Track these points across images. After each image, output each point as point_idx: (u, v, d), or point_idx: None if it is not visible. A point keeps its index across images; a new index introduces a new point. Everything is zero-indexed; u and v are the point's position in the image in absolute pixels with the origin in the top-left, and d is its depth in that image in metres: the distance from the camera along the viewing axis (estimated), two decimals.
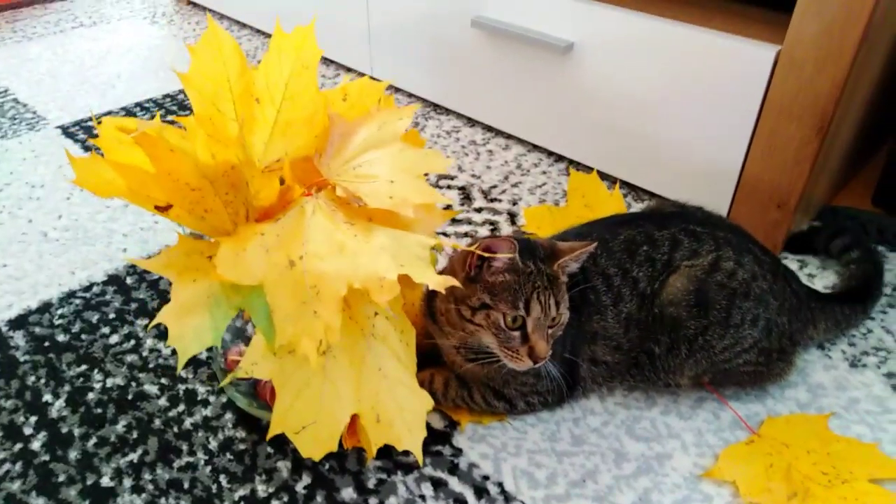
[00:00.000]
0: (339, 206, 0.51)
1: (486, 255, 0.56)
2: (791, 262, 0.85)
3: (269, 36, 1.50)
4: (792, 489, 0.56)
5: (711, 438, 0.63)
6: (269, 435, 0.48)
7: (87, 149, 1.08)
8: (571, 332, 0.62)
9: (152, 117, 1.16)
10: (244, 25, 1.56)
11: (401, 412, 0.50)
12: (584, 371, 0.64)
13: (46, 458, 0.61)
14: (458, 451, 0.62)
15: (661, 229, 0.63)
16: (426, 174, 1.02)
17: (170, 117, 1.17)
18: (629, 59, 0.88)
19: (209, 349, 0.70)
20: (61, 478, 0.59)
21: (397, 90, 1.25)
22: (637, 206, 0.94)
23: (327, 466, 0.60)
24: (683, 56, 0.83)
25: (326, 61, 1.37)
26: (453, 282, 0.47)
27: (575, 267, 0.59)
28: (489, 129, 1.14)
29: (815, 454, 0.60)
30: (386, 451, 0.62)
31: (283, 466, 0.60)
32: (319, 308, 0.44)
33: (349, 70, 1.33)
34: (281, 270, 0.45)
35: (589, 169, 0.99)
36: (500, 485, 0.59)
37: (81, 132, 1.12)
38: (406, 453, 0.61)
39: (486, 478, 0.60)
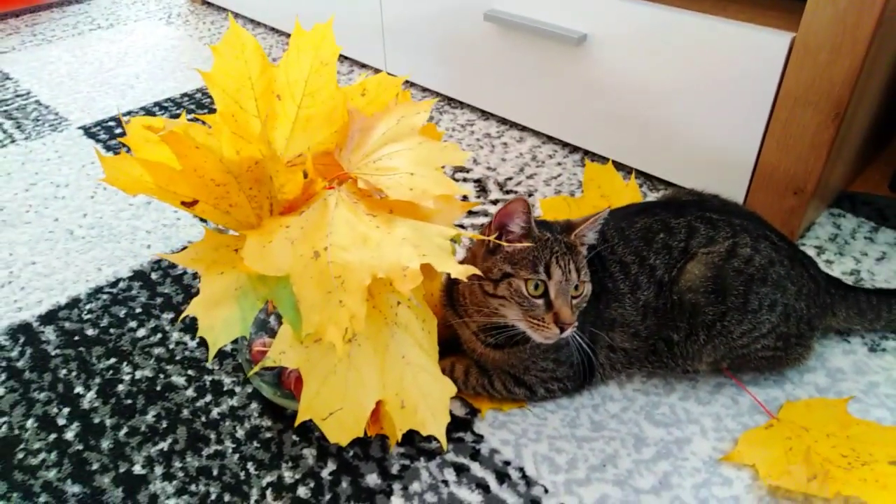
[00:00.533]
0: (360, 199, 0.52)
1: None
2: (808, 250, 0.85)
3: (283, 34, 1.52)
4: (812, 471, 0.57)
5: (730, 423, 0.64)
6: (298, 421, 0.49)
7: (109, 148, 1.10)
8: (590, 320, 0.63)
9: (172, 117, 1.18)
10: (259, 24, 1.58)
11: (424, 398, 0.51)
12: (603, 358, 0.65)
13: (80, 447, 0.63)
14: (479, 438, 0.63)
15: (678, 217, 0.64)
16: (443, 167, 1.03)
17: (193, 115, 1.19)
18: (643, 50, 0.89)
19: (235, 341, 0.72)
20: (95, 466, 0.61)
21: (412, 85, 1.26)
22: (652, 196, 0.94)
23: (351, 453, 0.62)
24: (697, 45, 0.83)
25: (341, 58, 1.39)
26: (474, 270, 0.48)
27: (592, 237, 0.61)
28: (503, 121, 1.15)
29: (835, 437, 0.61)
30: (408, 439, 0.63)
31: (309, 454, 0.62)
32: (344, 297, 0.45)
33: (364, 66, 1.34)
34: (306, 262, 0.46)
35: (604, 159, 0.99)
36: (522, 470, 0.60)
37: (103, 132, 1.14)
38: (428, 440, 0.63)
39: (507, 463, 0.61)
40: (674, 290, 0.62)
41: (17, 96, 1.27)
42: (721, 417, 0.64)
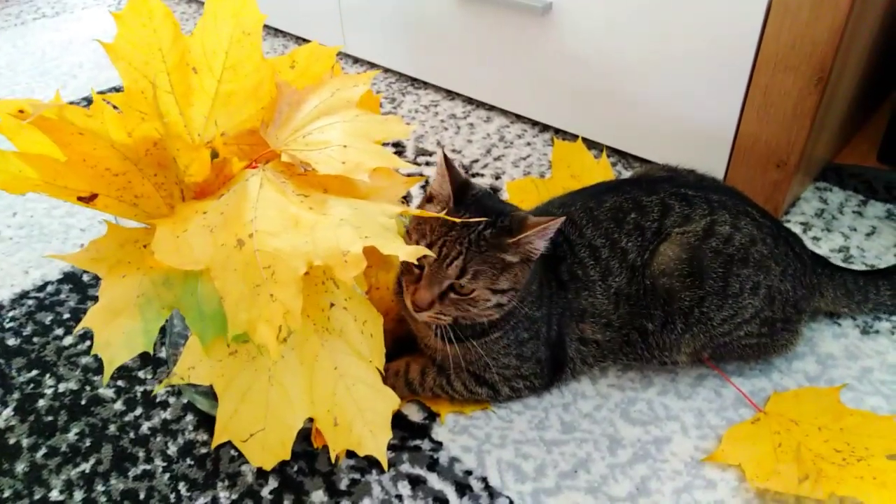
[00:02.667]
0: (289, 178, 0.46)
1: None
2: (794, 227, 0.79)
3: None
4: (803, 471, 0.51)
5: (713, 419, 0.58)
6: (214, 443, 0.43)
7: None
8: (558, 312, 0.57)
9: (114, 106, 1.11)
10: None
11: (361, 414, 0.45)
12: (573, 351, 0.59)
13: None
14: (437, 445, 0.57)
15: (650, 195, 0.58)
16: (391, 147, 0.96)
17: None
18: (611, 17, 0.82)
19: (166, 347, 0.65)
20: (7, 493, 0.55)
21: (372, 65, 1.19)
22: (627, 174, 0.88)
23: (295, 468, 0.56)
24: (669, 10, 0.77)
25: (297, 39, 1.31)
26: (425, 251, 0.42)
27: (541, 245, 0.52)
28: (469, 101, 1.08)
29: (827, 430, 0.55)
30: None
31: (248, 470, 0.55)
32: (276, 290, 0.39)
33: None
34: (229, 252, 0.40)
35: (575, 137, 0.93)
36: (485, 479, 0.54)
37: None
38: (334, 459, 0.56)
39: (468, 473, 0.55)
40: (646, 274, 0.56)
41: None
42: (703, 413, 0.59)
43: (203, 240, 0.40)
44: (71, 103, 1.10)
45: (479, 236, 0.51)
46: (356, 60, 1.22)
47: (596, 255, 0.57)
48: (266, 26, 1.37)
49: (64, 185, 0.44)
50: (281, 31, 1.35)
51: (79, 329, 0.42)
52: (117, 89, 1.16)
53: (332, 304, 0.46)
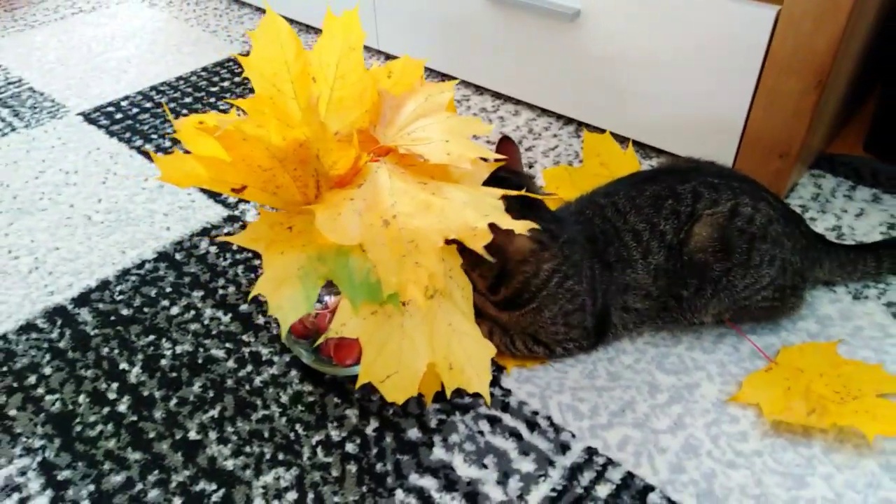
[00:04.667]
0: (404, 168, 0.56)
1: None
2: (793, 208, 0.91)
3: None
4: (810, 406, 0.63)
5: (733, 368, 0.70)
6: (358, 384, 0.54)
7: (112, 134, 1.11)
8: (603, 288, 0.68)
9: (171, 100, 1.20)
10: (244, 4, 1.58)
11: (469, 360, 0.56)
12: (616, 318, 0.70)
13: (134, 418, 0.67)
14: (507, 392, 0.68)
15: (684, 183, 0.69)
16: None
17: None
18: (635, 23, 0.93)
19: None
20: (151, 434, 0.65)
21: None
22: (646, 164, 1.00)
23: (391, 411, 0.67)
24: (688, 18, 0.88)
25: None
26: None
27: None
28: (498, 95, 1.19)
29: (827, 376, 0.67)
30: (441, 396, 0.68)
31: (352, 413, 0.67)
32: (420, 258, 0.50)
33: None
34: (377, 230, 0.50)
35: (597, 129, 1.04)
36: (549, 418, 0.66)
37: (103, 118, 1.16)
38: (460, 395, 0.68)
39: (535, 413, 0.66)
40: (684, 251, 0.67)
41: (10, 84, 1.27)
42: (725, 364, 0.71)
43: (354, 220, 0.51)
44: (126, 98, 1.19)
45: None
46: (388, 56, 1.32)
47: (638, 237, 0.68)
48: (299, 23, 1.46)
49: (224, 180, 0.54)
50: (314, 28, 1.44)
51: (252, 294, 0.52)
52: (168, 83, 1.25)
53: (450, 276, 0.57)
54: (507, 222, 0.51)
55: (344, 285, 0.52)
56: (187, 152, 0.56)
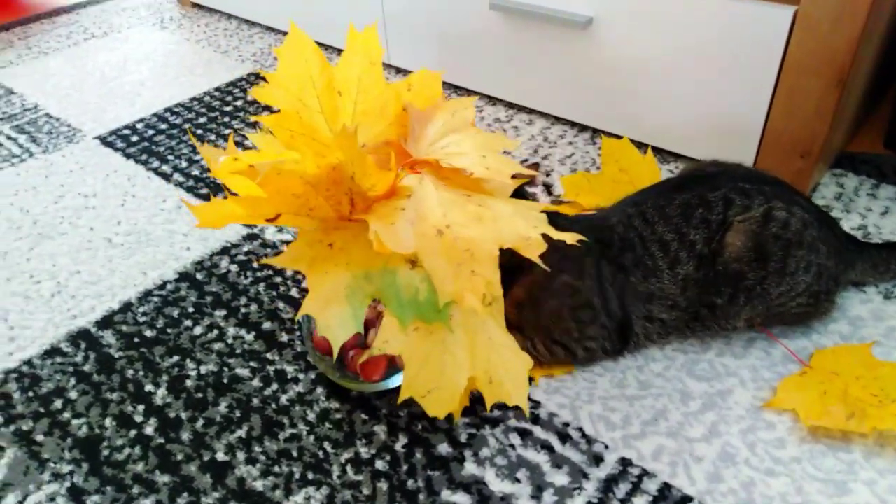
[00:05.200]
0: (443, 180, 0.56)
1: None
2: None
3: (280, 32, 1.54)
4: (849, 410, 0.62)
5: (766, 373, 0.69)
6: (400, 399, 0.53)
7: (128, 156, 1.12)
8: (617, 289, 0.68)
9: (186, 121, 1.20)
10: (253, 24, 1.59)
11: (507, 373, 0.55)
12: (639, 328, 0.69)
13: (161, 440, 0.66)
14: (537, 404, 0.67)
15: (714, 190, 0.68)
16: None
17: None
18: (650, 29, 0.93)
19: (299, 330, 0.75)
20: (179, 456, 0.65)
21: None
22: (664, 168, 0.99)
23: (420, 427, 0.66)
24: (703, 22, 0.88)
25: (339, 51, 1.41)
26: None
27: None
28: (510, 105, 1.19)
29: (864, 379, 0.66)
30: (469, 410, 0.67)
31: (380, 430, 0.66)
32: (476, 267, 0.50)
33: None
34: (431, 239, 0.50)
35: (614, 136, 1.03)
36: (581, 429, 0.65)
37: (119, 141, 1.16)
38: (489, 409, 0.67)
39: (566, 424, 0.65)
40: (718, 261, 0.66)
41: (26, 110, 1.28)
42: (757, 369, 0.69)
43: (408, 231, 0.50)
44: (141, 121, 1.20)
45: None
46: (398, 70, 1.32)
47: (665, 248, 0.67)
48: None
49: (259, 213, 0.54)
50: (322, 44, 1.45)
51: (299, 315, 0.52)
52: (182, 104, 1.26)
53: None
54: (553, 232, 0.51)
55: (392, 304, 0.52)
56: (216, 188, 0.56)
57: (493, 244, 0.51)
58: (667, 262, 0.67)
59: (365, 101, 0.62)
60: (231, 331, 0.78)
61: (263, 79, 0.78)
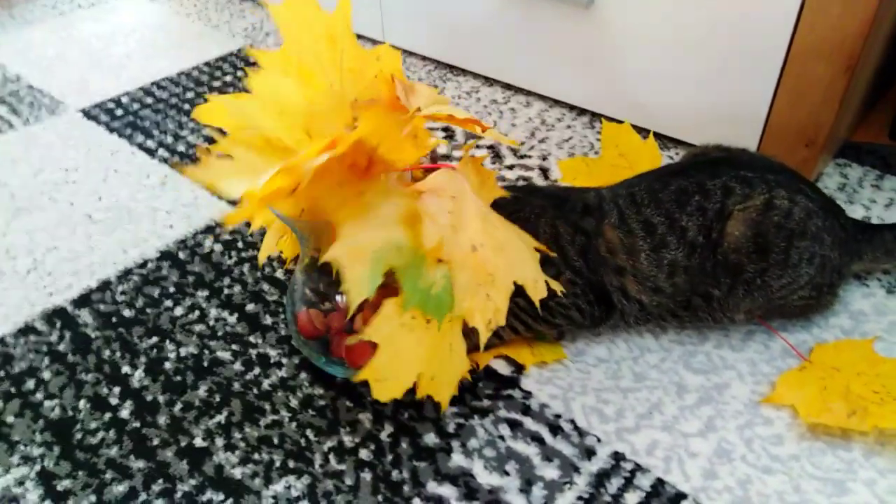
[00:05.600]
0: (477, 176, 0.55)
1: None
2: None
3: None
4: (851, 408, 0.60)
5: (765, 367, 0.67)
6: (358, 378, 0.51)
7: (112, 130, 1.08)
8: (577, 248, 0.65)
9: (172, 95, 1.17)
10: None
11: (447, 375, 0.56)
12: (616, 300, 0.66)
13: (137, 424, 0.64)
14: (528, 394, 0.65)
15: (713, 178, 0.65)
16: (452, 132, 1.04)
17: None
18: (653, 10, 0.90)
19: (283, 312, 0.73)
20: (155, 441, 0.62)
21: (411, 54, 1.26)
22: (665, 155, 0.96)
23: (406, 415, 0.63)
24: (709, 4, 0.85)
25: None
26: (555, 285, 0.56)
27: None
28: (508, 87, 1.15)
29: (865, 375, 0.64)
30: (459, 399, 0.65)
31: (365, 418, 0.63)
32: (493, 293, 0.50)
33: (360, 37, 1.33)
34: (465, 253, 0.50)
35: (614, 120, 1.00)
36: (573, 421, 0.63)
37: (103, 114, 1.13)
38: (479, 398, 0.65)
39: (558, 416, 0.63)
40: (718, 251, 0.63)
41: (8, 81, 1.24)
42: (755, 362, 0.67)
43: (440, 230, 0.50)
44: (127, 94, 1.16)
45: None
46: (393, 48, 1.28)
47: (649, 229, 0.65)
48: None
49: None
50: None
51: (324, 259, 0.47)
52: (169, 79, 1.22)
53: None
54: (543, 276, 0.53)
55: (407, 284, 0.49)
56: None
57: (510, 277, 0.51)
58: (648, 244, 0.64)
59: (349, 59, 0.59)
60: (213, 312, 0.75)
61: (253, 63, 0.74)
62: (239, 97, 0.54)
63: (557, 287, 0.55)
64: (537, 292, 0.52)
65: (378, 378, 0.53)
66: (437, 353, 0.55)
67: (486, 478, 0.58)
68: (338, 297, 0.64)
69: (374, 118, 0.47)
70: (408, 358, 0.53)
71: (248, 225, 0.87)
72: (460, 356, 0.57)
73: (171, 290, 0.78)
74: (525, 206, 0.67)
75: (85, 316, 0.75)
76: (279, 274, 0.80)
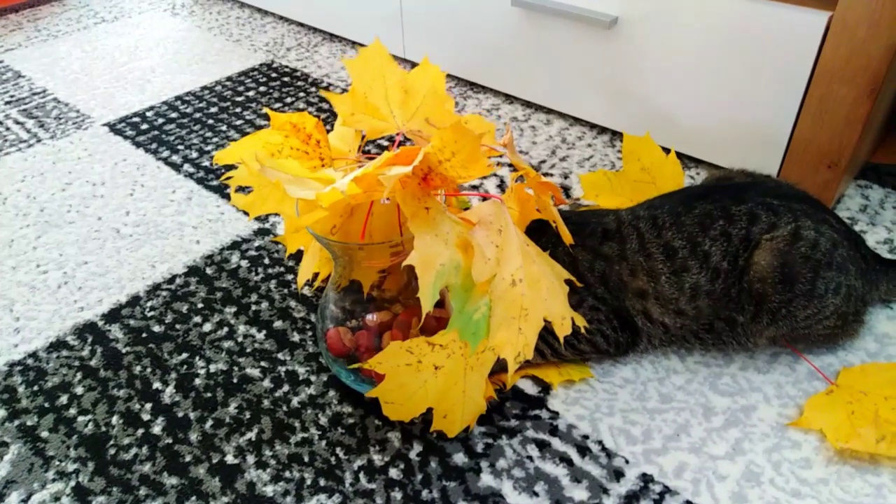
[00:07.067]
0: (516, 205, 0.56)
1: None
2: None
3: (293, 22, 1.51)
4: (880, 433, 0.60)
5: (791, 390, 0.67)
6: (368, 395, 0.55)
7: (137, 145, 1.10)
8: (597, 275, 0.67)
9: (196, 111, 1.18)
10: (266, 13, 1.57)
11: (459, 414, 0.58)
12: (640, 324, 0.67)
13: (169, 441, 0.64)
14: (555, 414, 0.66)
15: (739, 204, 0.65)
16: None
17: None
18: (677, 31, 0.90)
19: (312, 330, 0.74)
20: (188, 458, 0.63)
21: None
22: (686, 175, 0.97)
23: (435, 435, 0.64)
24: (731, 25, 0.85)
25: (354, 44, 1.39)
26: (582, 321, 0.58)
27: None
28: (528, 104, 1.16)
29: (893, 399, 0.64)
30: (487, 419, 0.65)
31: (394, 436, 0.64)
32: (525, 327, 0.51)
33: None
34: (506, 286, 0.52)
35: None
36: (600, 442, 0.63)
37: (129, 129, 1.14)
38: (507, 418, 0.65)
39: (585, 437, 0.64)
40: (744, 280, 0.64)
41: (34, 94, 1.26)
42: (782, 385, 0.68)
43: (490, 267, 0.51)
44: (151, 107, 1.18)
45: None
46: (413, 65, 1.30)
47: (670, 253, 0.65)
48: (322, 31, 1.45)
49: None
50: (337, 37, 1.42)
51: (407, 263, 0.49)
52: (192, 93, 1.23)
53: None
54: (570, 311, 0.55)
55: (456, 304, 0.52)
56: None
57: (541, 313, 0.52)
58: (669, 267, 0.65)
59: (428, 110, 0.62)
60: (241, 328, 0.76)
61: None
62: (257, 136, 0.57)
63: (581, 322, 0.57)
64: (563, 329, 0.54)
65: (386, 401, 0.57)
66: (447, 396, 0.58)
67: (515, 498, 0.59)
68: (369, 316, 0.65)
69: (449, 135, 0.49)
70: (413, 391, 0.56)
71: (276, 243, 0.88)
72: (475, 401, 0.59)
73: (200, 305, 0.79)
74: (542, 235, 0.68)
75: (115, 331, 0.76)
76: (305, 290, 0.81)
